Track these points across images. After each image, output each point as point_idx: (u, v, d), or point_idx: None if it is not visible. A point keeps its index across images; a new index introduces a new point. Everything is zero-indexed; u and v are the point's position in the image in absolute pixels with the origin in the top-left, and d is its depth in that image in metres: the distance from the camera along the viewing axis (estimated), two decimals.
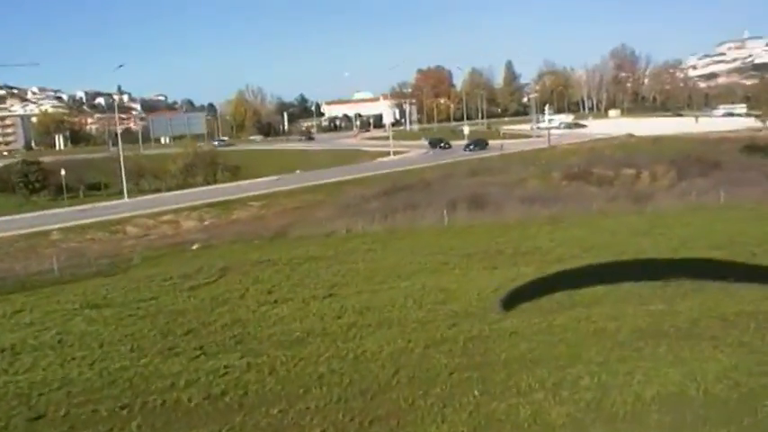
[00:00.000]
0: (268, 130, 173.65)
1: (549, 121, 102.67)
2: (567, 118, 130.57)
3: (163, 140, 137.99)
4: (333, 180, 57.40)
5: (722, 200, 39.16)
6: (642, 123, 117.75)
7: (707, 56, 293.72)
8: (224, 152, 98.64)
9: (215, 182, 77.65)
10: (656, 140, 76.48)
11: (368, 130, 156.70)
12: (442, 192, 46.09)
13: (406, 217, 39.95)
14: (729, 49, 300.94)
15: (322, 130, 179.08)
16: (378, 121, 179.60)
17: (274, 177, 65.25)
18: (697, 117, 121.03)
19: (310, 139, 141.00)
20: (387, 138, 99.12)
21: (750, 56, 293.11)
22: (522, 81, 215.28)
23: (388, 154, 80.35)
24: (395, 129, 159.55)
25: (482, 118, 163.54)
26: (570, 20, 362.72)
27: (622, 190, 45.58)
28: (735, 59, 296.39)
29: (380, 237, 34.62)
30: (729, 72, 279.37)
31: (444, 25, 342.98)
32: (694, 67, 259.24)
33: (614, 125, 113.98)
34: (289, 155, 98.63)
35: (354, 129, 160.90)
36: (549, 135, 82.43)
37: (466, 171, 55.90)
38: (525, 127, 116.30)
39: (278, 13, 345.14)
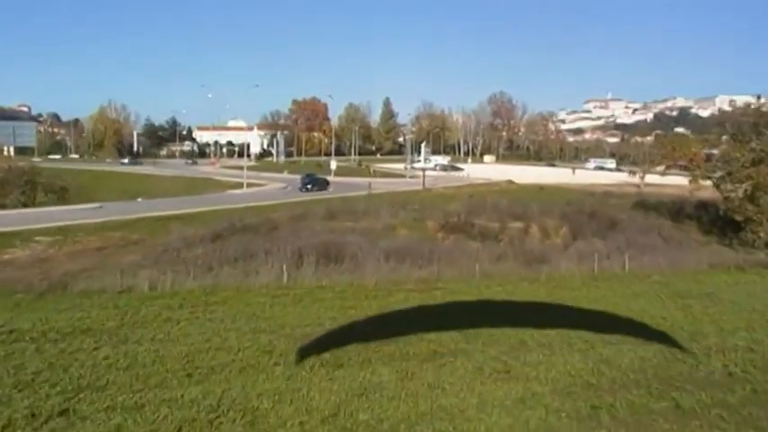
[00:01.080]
0: (130, 151, 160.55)
1: (426, 161, 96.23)
2: (444, 160, 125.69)
3: (5, 151, 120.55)
4: (162, 213, 47.03)
5: (627, 268, 33.25)
6: (519, 170, 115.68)
7: (574, 111, 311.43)
8: (57, 171, 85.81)
9: (33, 204, 65.47)
10: (541, 189, 71.47)
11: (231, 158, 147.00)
12: (290, 238, 37.43)
13: (236, 270, 31.12)
14: (595, 107, 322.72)
15: (185, 155, 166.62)
16: (246, 150, 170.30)
17: (96, 205, 54.07)
18: (574, 168, 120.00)
19: (194, 163, 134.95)
20: (247, 168, 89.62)
21: (613, 116, 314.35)
22: (400, 120, 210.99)
23: (242, 185, 70.79)
24: (263, 160, 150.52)
25: (355, 154, 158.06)
26: (450, 62, 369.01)
27: (510, 247, 38.66)
28: (599, 117, 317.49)
29: (193, 298, 25.35)
30: (594, 129, 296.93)
31: (323, 57, 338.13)
32: (563, 121, 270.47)
33: (491, 170, 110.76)
34: (135, 179, 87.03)
35: (212, 156, 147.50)
36: (425, 176, 75.11)
37: (323, 213, 47.14)
38: (399, 166, 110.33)
39: (156, 34, 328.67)
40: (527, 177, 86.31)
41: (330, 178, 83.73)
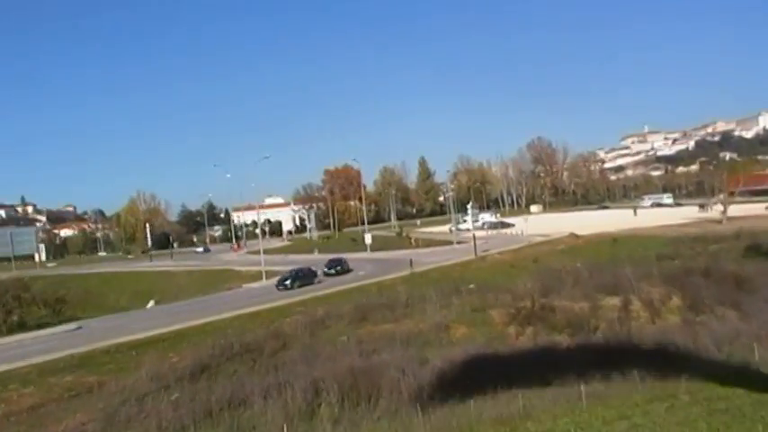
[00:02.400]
0: (166, 241, 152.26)
1: (474, 221, 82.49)
2: (492, 216, 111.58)
3: (37, 257, 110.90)
4: (145, 335, 34.97)
5: None
6: (574, 219, 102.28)
7: (613, 149, 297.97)
8: (62, 278, 76.99)
9: (24, 325, 55.11)
10: (615, 242, 58.21)
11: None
12: (303, 362, 25.85)
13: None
14: (633, 142, 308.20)
15: (215, 241, 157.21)
16: (278, 229, 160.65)
17: (73, 326, 43.10)
18: (635, 209, 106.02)
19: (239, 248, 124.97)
20: (275, 251, 78.59)
21: (652, 149, 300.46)
22: (438, 178, 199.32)
23: (262, 276, 59.37)
24: (297, 237, 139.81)
25: (395, 220, 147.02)
26: (482, 112, 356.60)
27: (614, 339, 26.27)
28: (639, 152, 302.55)
29: None
30: (635, 164, 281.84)
31: (351, 122, 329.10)
32: (603, 161, 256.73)
33: (544, 222, 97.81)
34: (150, 278, 76.74)
35: (234, 242, 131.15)
36: (476, 242, 62.05)
37: (351, 313, 34.98)
38: (443, 229, 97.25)
39: (185, 121, 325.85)
40: (588, 227, 73.23)
41: (367, 255, 71.72)
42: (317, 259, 70.79)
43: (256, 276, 59.72)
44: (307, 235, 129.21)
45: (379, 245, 77.81)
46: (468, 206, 68.05)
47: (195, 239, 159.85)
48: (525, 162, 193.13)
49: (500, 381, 22.91)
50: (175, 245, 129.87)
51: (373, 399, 22.44)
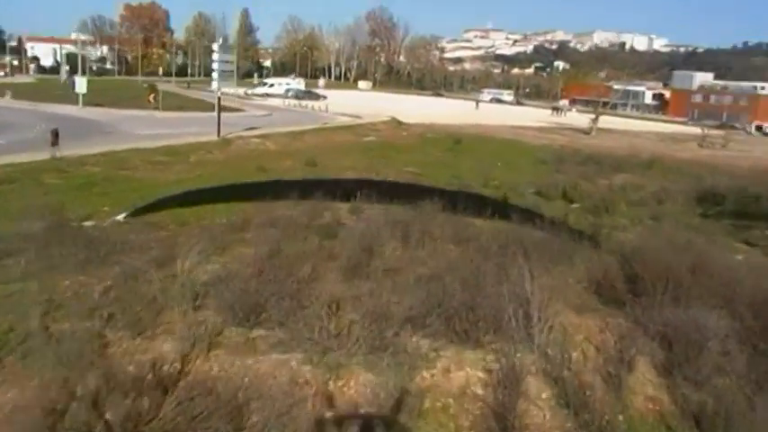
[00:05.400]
0: None
1: (263, 84, 57.51)
2: (299, 83, 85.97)
3: None
4: None
5: None
6: (402, 101, 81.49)
7: (454, 40, 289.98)
8: None
9: None
10: (458, 143, 35.33)
11: None
12: None
13: None
14: (475, 36, 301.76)
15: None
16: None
17: None
18: (477, 102, 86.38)
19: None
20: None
21: (493, 46, 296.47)
22: (264, 38, 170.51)
23: None
24: (52, 76, 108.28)
25: (201, 75, 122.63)
26: None
27: None
28: (479, 47, 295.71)
29: None
30: (474, 59, 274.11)
31: None
32: (443, 50, 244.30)
33: (366, 100, 75.93)
34: None
35: None
36: (220, 111, 34.37)
37: None
38: (239, 91, 71.11)
39: None
40: (419, 114, 51.35)
41: (74, 111, 43.78)
42: (2, 107, 43.53)
43: None
44: (60, 76, 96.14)
45: (111, 99, 50.71)
46: (215, 46, 39.38)
47: None
48: (362, 34, 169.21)
49: None
50: None
51: None
